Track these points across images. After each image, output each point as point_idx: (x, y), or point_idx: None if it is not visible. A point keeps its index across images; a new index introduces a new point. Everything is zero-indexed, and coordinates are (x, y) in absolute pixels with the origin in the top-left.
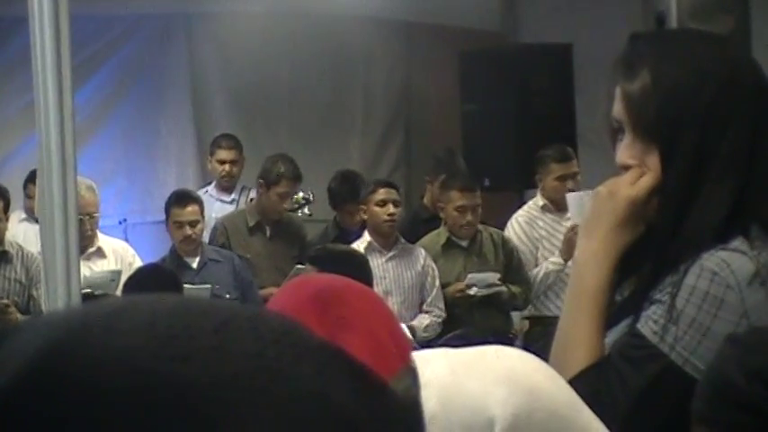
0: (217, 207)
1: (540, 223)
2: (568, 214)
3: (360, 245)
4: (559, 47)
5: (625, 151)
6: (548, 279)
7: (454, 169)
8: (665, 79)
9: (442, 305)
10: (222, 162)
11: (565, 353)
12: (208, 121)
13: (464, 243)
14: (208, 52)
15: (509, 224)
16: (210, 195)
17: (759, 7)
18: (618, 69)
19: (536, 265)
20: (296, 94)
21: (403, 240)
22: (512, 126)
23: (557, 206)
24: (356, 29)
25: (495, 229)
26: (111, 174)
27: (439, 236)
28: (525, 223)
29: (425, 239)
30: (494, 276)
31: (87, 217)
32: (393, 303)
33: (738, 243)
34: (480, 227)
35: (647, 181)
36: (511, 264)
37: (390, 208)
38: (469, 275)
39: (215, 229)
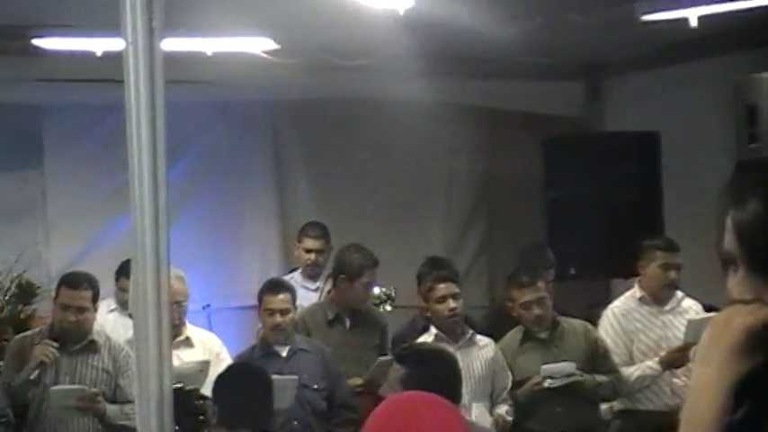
0: (301, 294)
1: (637, 315)
2: (666, 307)
3: (427, 338)
4: (645, 134)
5: (738, 286)
6: (643, 382)
7: (541, 262)
8: None
9: (508, 397)
10: (309, 251)
11: None
12: (292, 206)
13: (543, 335)
14: (292, 138)
15: (604, 315)
16: (296, 282)
17: None
18: (726, 197)
19: (630, 358)
20: (380, 179)
21: (470, 331)
22: (597, 214)
23: (654, 298)
24: (441, 115)
25: (578, 320)
26: (195, 258)
27: (517, 332)
28: (621, 315)
29: (506, 337)
30: (570, 366)
31: (176, 306)
32: (464, 394)
33: None
34: (561, 318)
35: (766, 312)
36: (596, 352)
37: (451, 303)
38: (543, 367)
39: (296, 323)
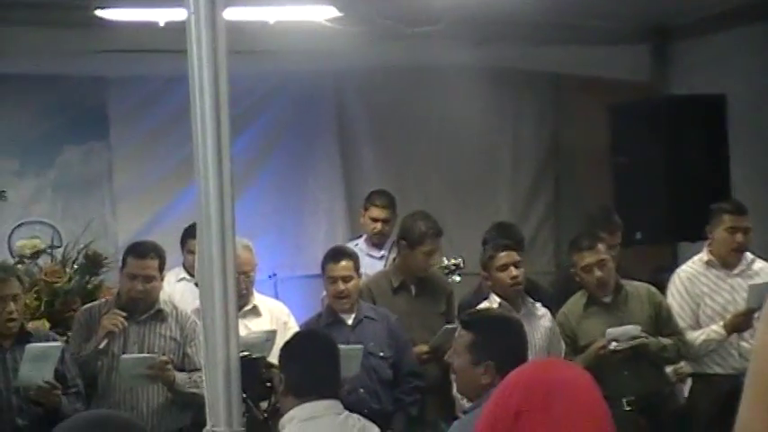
0: (366, 262)
1: (703, 279)
2: (735, 270)
3: (489, 306)
4: (712, 98)
5: None
6: (708, 346)
7: (608, 226)
8: None
9: None
10: (375, 219)
11: None
12: (357, 175)
13: (607, 299)
14: (356, 107)
15: (672, 278)
16: (360, 249)
17: None
18: None
19: (696, 322)
20: (445, 147)
21: (531, 300)
22: (663, 179)
23: (722, 262)
24: (506, 81)
25: (642, 283)
26: (261, 228)
27: (581, 297)
28: (687, 279)
29: (570, 302)
30: (635, 329)
31: (243, 276)
32: None
33: None
34: (624, 282)
35: None
36: (660, 315)
37: (513, 271)
38: (608, 331)
39: (361, 291)
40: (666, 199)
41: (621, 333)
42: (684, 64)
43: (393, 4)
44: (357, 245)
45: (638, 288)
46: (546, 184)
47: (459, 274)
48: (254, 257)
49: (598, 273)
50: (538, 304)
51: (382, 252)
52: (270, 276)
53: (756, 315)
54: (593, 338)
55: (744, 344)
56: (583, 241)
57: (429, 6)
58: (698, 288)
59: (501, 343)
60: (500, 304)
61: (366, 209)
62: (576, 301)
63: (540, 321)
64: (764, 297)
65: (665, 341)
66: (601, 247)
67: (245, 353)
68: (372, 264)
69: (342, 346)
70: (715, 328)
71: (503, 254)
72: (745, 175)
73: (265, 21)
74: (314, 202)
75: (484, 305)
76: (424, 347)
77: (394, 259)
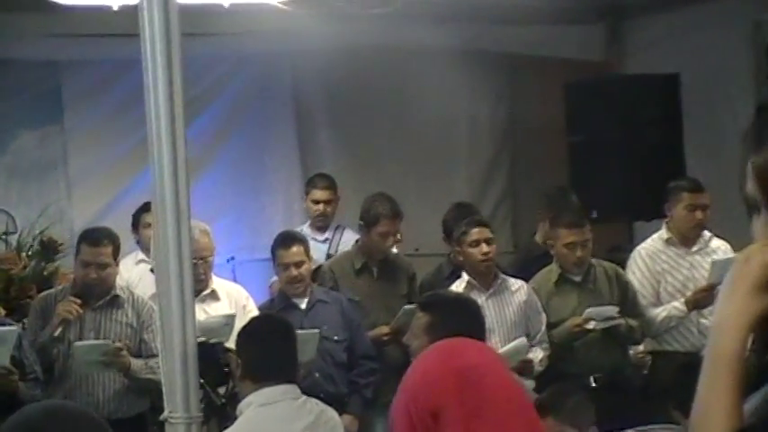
0: (311, 246)
1: (663, 257)
2: (694, 248)
3: (459, 285)
4: (666, 77)
5: (762, 229)
6: (669, 322)
7: (566, 206)
8: None
9: (546, 338)
10: (317, 202)
11: (704, 421)
12: (314, 157)
13: (577, 278)
14: (313, 89)
15: (632, 256)
16: (305, 234)
17: None
18: (747, 143)
19: (657, 299)
20: (401, 128)
21: (502, 276)
22: (619, 157)
23: (682, 239)
24: (462, 61)
25: (609, 263)
26: (219, 212)
27: (551, 273)
28: (648, 257)
29: (538, 277)
30: (612, 309)
31: (201, 261)
32: (496, 342)
33: None
34: (593, 261)
35: None
36: (626, 297)
37: (484, 247)
38: (588, 309)
39: (323, 273)
40: (621, 177)
41: (599, 313)
42: (639, 42)
43: None
44: (302, 230)
45: (606, 268)
46: (502, 165)
47: (417, 253)
48: (211, 242)
49: (580, 252)
50: (512, 279)
51: (326, 235)
52: (228, 260)
53: (717, 290)
54: (563, 315)
55: (703, 321)
56: (572, 217)
57: None
58: (658, 265)
59: (458, 324)
60: (468, 283)
61: (307, 192)
62: (546, 276)
63: (515, 296)
64: (725, 273)
65: (632, 323)
66: (587, 226)
67: (202, 338)
68: (316, 247)
69: (298, 331)
70: (676, 305)
71: (475, 230)
72: (698, 153)
73: (220, 3)
74: (271, 184)
75: (455, 285)
76: (385, 329)
77: (356, 241)
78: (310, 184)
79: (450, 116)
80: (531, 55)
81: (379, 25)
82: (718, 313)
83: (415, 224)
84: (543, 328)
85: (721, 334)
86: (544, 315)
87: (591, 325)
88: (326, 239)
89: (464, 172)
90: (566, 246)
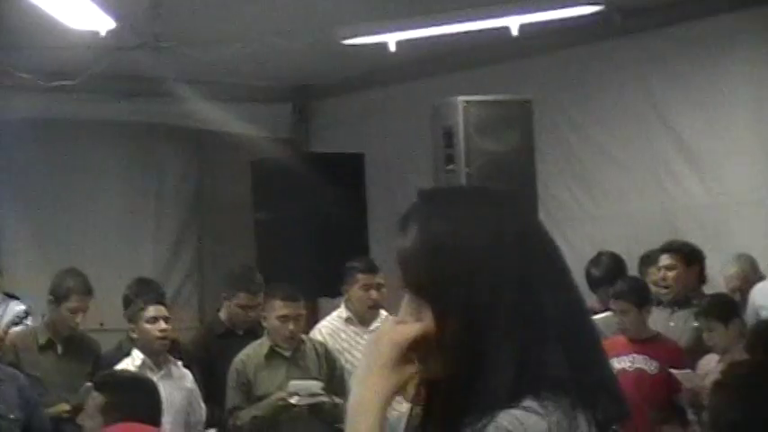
0: None
1: (343, 335)
2: (371, 327)
3: (131, 362)
4: (351, 156)
5: (404, 308)
6: None
7: (251, 285)
8: (430, 237)
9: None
10: None
11: None
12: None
13: (287, 353)
14: None
15: (312, 333)
16: None
17: (541, 124)
18: (397, 226)
19: None
20: (89, 202)
21: (172, 359)
22: (305, 234)
23: (359, 318)
24: (148, 137)
25: (320, 340)
26: None
27: (261, 346)
28: (328, 335)
29: (247, 350)
30: (317, 385)
31: None
32: (165, 423)
33: (529, 402)
34: (304, 337)
35: (411, 327)
36: (333, 374)
37: (162, 324)
38: (291, 383)
39: (5, 347)
40: (307, 255)
41: (303, 387)
42: (325, 122)
43: (31, 59)
44: None
45: (316, 345)
46: (189, 240)
47: (101, 328)
48: None
49: (292, 326)
50: (179, 363)
51: None
52: None
53: None
54: (269, 389)
55: None
56: (285, 291)
57: (69, 61)
58: (338, 344)
59: (133, 406)
60: (143, 361)
61: None
62: (256, 349)
63: (181, 382)
64: None
65: (338, 400)
66: (302, 301)
67: None
68: None
69: None
70: None
71: (152, 307)
72: (380, 231)
73: None
74: None
75: (125, 363)
76: (66, 406)
77: (42, 316)
78: None
79: (136, 191)
80: (219, 132)
81: (65, 98)
82: (355, 395)
83: (100, 299)
84: (203, 419)
85: (356, 416)
86: (204, 407)
87: (294, 400)
88: None
89: (150, 248)
90: (278, 318)
